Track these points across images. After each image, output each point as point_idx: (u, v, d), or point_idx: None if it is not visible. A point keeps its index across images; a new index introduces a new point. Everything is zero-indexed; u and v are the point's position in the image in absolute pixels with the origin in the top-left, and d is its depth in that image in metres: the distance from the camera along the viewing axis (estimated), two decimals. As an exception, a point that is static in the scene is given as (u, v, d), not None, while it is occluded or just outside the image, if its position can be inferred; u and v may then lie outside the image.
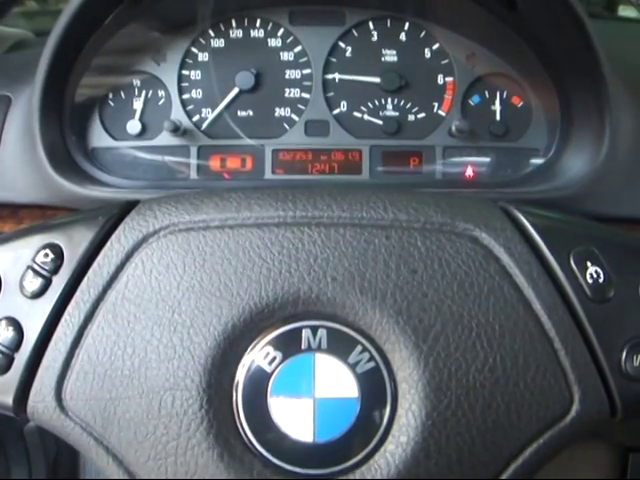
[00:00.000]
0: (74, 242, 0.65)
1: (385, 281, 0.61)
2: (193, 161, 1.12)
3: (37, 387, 0.63)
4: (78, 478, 1.60)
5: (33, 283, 0.64)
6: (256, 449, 0.60)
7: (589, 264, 0.64)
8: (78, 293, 0.63)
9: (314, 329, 0.60)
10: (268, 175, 1.11)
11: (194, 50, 1.13)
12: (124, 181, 1.09)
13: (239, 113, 1.12)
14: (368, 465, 0.60)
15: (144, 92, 1.13)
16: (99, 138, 1.13)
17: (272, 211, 0.64)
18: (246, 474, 0.59)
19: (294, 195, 0.65)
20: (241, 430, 0.60)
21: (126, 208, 0.67)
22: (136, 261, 0.63)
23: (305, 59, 1.12)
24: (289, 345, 0.60)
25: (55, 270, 0.64)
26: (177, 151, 1.12)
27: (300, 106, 1.12)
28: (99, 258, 0.63)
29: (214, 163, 1.12)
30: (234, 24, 1.13)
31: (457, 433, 0.60)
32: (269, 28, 1.13)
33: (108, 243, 0.64)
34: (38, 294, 0.64)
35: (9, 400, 0.63)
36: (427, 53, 1.12)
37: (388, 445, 0.60)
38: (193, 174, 1.12)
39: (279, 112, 1.12)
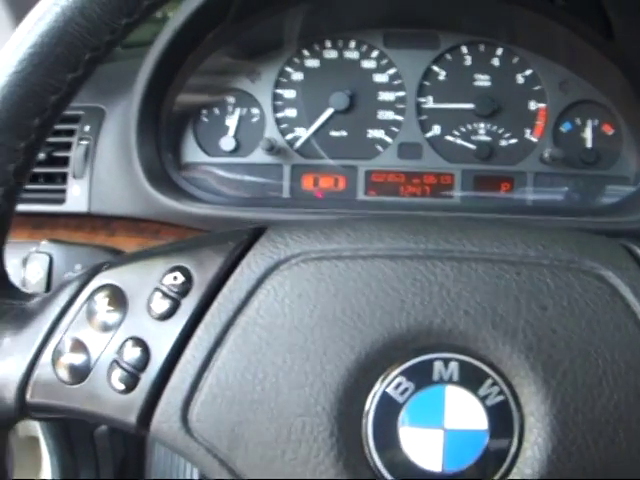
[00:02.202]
0: (203, 266, 0.65)
1: (516, 316, 0.61)
2: (286, 180, 1.13)
3: (163, 407, 0.63)
4: (144, 482, 1.62)
5: (161, 305, 0.64)
6: (384, 478, 0.60)
7: None
8: (208, 317, 0.63)
9: (446, 361, 0.61)
10: (360, 196, 1.12)
11: (288, 69, 1.14)
12: (216, 197, 1.11)
13: (332, 133, 1.14)
14: None
15: (238, 109, 1.15)
16: (193, 154, 1.14)
17: (404, 243, 0.64)
18: None
19: (426, 228, 0.66)
20: (370, 459, 0.60)
21: (256, 233, 0.68)
22: (267, 287, 0.63)
23: (399, 82, 1.13)
24: (421, 376, 0.61)
25: (184, 293, 0.64)
26: (270, 169, 1.13)
27: (393, 128, 1.13)
28: (229, 283, 0.64)
29: (307, 182, 1.13)
30: (329, 45, 1.14)
31: (581, 467, 0.60)
32: (363, 50, 1.14)
33: (238, 268, 0.65)
34: (166, 316, 0.64)
35: (132, 419, 0.63)
36: (520, 79, 1.13)
37: (513, 477, 0.60)
38: (286, 193, 1.13)
39: (372, 134, 1.13)
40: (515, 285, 0.62)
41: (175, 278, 0.65)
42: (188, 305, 0.64)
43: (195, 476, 1.58)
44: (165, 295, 0.64)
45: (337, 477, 0.60)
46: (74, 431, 1.47)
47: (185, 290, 0.64)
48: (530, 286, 0.62)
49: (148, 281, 0.66)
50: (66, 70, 0.63)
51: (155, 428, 0.64)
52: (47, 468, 1.46)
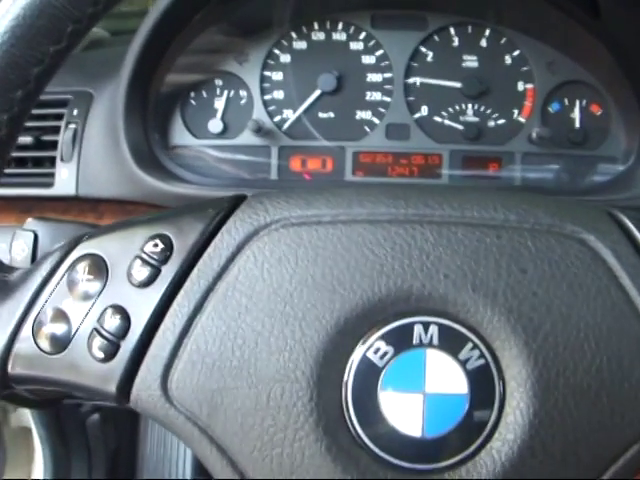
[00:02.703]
0: (184, 233, 0.65)
1: (496, 279, 0.61)
2: (274, 161, 1.13)
3: (142, 376, 0.63)
4: (136, 472, 1.62)
5: (141, 272, 0.64)
6: (364, 442, 0.60)
7: None
8: (188, 283, 0.63)
9: (426, 325, 0.60)
10: (348, 177, 1.12)
11: (276, 51, 1.14)
12: (204, 179, 1.11)
13: (320, 115, 1.13)
14: (474, 462, 0.60)
15: (226, 91, 1.15)
16: (180, 136, 1.14)
17: (384, 208, 0.64)
18: (352, 467, 0.59)
19: (405, 193, 0.65)
20: (349, 423, 0.60)
21: (235, 202, 0.67)
22: (247, 253, 0.63)
23: (387, 63, 1.13)
24: (400, 340, 0.60)
25: (164, 260, 0.64)
26: (258, 151, 1.13)
27: (381, 109, 1.13)
28: (209, 249, 0.64)
29: (295, 164, 1.13)
30: (316, 27, 1.14)
31: (563, 432, 0.60)
32: (351, 31, 1.14)
33: (219, 235, 0.64)
34: (146, 283, 0.64)
35: (112, 388, 0.63)
36: (508, 59, 1.13)
37: (495, 442, 0.60)
38: (273, 174, 1.13)
39: (360, 115, 1.13)
40: (495, 248, 0.62)
41: (155, 245, 0.65)
42: (168, 272, 0.64)
43: (187, 465, 1.58)
44: (145, 262, 0.64)
45: (317, 443, 0.59)
46: (66, 420, 1.47)
47: (165, 257, 0.64)
48: (510, 249, 0.62)
49: (129, 249, 0.66)
50: (49, 42, 0.62)
51: (135, 397, 0.63)
52: (40, 458, 1.46)
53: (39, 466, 1.48)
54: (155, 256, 0.64)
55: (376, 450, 0.60)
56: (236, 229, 0.64)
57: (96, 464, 1.55)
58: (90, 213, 1.11)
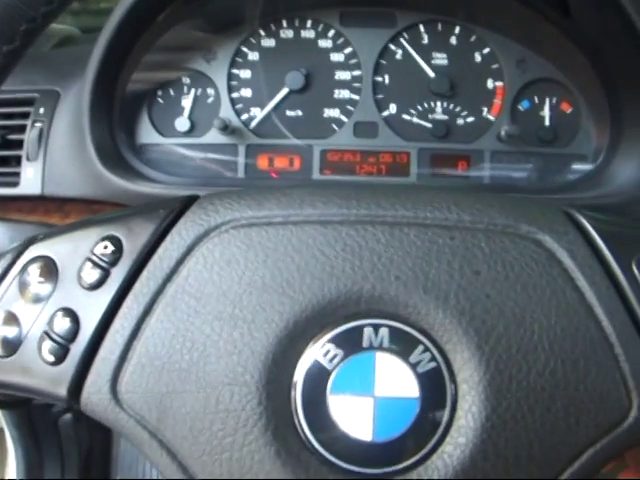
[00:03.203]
0: (134, 235, 0.65)
1: (448, 281, 0.60)
2: (241, 160, 1.12)
3: (92, 379, 0.63)
4: (110, 472, 1.61)
5: (91, 274, 0.64)
6: (313, 447, 0.59)
7: None
8: (137, 285, 0.63)
9: (376, 327, 0.60)
10: (316, 175, 1.11)
11: (244, 49, 1.13)
12: (171, 178, 1.10)
13: (288, 113, 1.13)
14: (425, 466, 0.59)
15: (193, 90, 1.14)
16: (147, 135, 1.14)
17: (335, 209, 0.63)
18: (302, 472, 0.59)
19: (357, 193, 0.65)
20: (299, 427, 0.59)
21: (187, 202, 0.67)
22: (197, 255, 0.63)
23: (355, 61, 1.12)
24: (350, 343, 0.60)
25: (114, 262, 0.64)
26: (225, 149, 1.13)
27: (349, 107, 1.12)
28: (159, 251, 0.63)
29: (262, 162, 1.12)
30: (285, 24, 1.13)
31: (516, 436, 0.59)
32: (320, 29, 1.13)
33: (169, 236, 0.64)
34: (96, 286, 0.63)
35: (63, 391, 0.63)
36: (477, 57, 1.12)
37: (446, 446, 0.59)
38: (240, 173, 1.12)
39: (328, 113, 1.13)
40: (448, 249, 0.61)
41: (105, 247, 0.64)
42: (118, 274, 0.63)
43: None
44: (95, 265, 0.64)
45: (266, 447, 0.59)
46: (38, 420, 1.46)
47: (115, 259, 0.64)
48: (464, 250, 0.61)
49: (79, 251, 0.65)
50: (1, 41, 0.62)
51: (85, 400, 0.63)
52: (12, 461, 1.45)
53: (12, 467, 1.47)
54: (105, 258, 0.64)
55: (326, 454, 0.59)
56: (186, 230, 0.64)
57: (69, 464, 1.54)
58: (56, 213, 1.10)
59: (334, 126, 1.12)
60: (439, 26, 1.12)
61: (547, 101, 1.11)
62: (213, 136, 1.12)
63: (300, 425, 0.59)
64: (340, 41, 1.12)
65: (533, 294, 0.61)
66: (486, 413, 0.59)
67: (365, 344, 0.60)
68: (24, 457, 1.45)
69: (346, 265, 0.61)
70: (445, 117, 1.11)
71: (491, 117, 1.11)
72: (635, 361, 0.61)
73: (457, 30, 1.12)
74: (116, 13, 1.00)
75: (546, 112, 1.11)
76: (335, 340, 0.60)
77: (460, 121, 1.11)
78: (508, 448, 0.59)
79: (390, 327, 0.60)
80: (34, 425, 1.47)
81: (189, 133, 1.13)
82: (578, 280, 0.62)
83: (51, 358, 0.63)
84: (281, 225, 0.63)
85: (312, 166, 1.11)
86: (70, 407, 0.64)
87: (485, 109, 1.11)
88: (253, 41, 1.13)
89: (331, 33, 1.13)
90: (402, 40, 1.12)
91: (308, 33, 1.13)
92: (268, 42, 1.13)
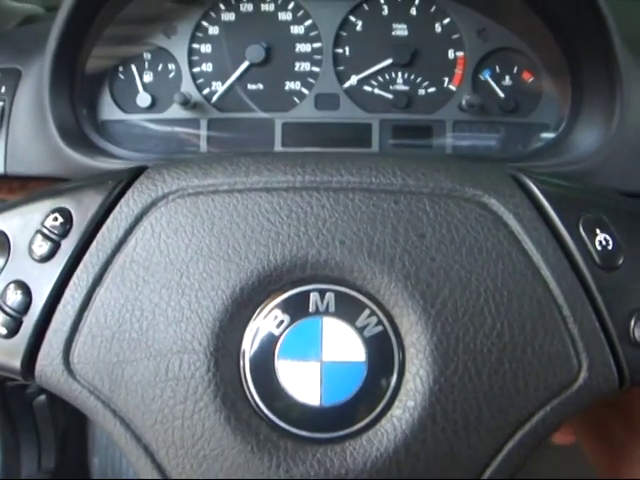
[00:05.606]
0: (83, 206, 0.65)
1: (393, 245, 0.61)
2: (203, 134, 1.12)
3: (45, 350, 0.63)
4: (87, 452, 1.61)
5: (42, 247, 0.64)
6: (263, 412, 0.60)
7: (598, 231, 0.64)
8: (87, 257, 0.63)
9: (322, 293, 0.60)
10: (278, 148, 1.11)
11: (205, 24, 1.13)
12: (134, 154, 1.09)
13: (249, 86, 1.12)
14: (374, 429, 0.60)
15: (154, 65, 1.13)
16: (109, 111, 1.13)
17: (281, 176, 0.64)
18: (252, 437, 0.59)
19: (303, 160, 0.65)
20: (248, 393, 0.60)
21: (135, 173, 0.67)
22: (145, 225, 0.63)
23: (315, 33, 1.12)
24: (297, 308, 0.60)
25: (64, 234, 0.64)
26: (187, 124, 1.12)
27: (310, 80, 1.12)
28: (108, 222, 0.64)
29: (224, 136, 1.12)
30: None
31: (464, 399, 0.60)
32: (279, 2, 1.12)
33: (117, 207, 0.64)
34: (47, 258, 0.64)
35: (17, 363, 0.63)
36: (438, 27, 1.12)
37: (395, 410, 0.60)
38: (203, 147, 1.12)
39: (289, 85, 1.12)
40: (393, 214, 0.62)
41: (55, 219, 0.64)
42: (68, 246, 0.64)
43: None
44: (46, 237, 0.64)
45: (216, 414, 0.59)
46: (13, 403, 1.46)
47: (65, 231, 0.64)
48: (408, 215, 0.62)
49: (30, 224, 0.65)
50: None
51: (39, 372, 0.63)
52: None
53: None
54: (55, 230, 0.64)
55: (275, 420, 0.60)
56: (134, 201, 0.64)
57: (45, 445, 1.54)
58: (19, 191, 1.10)
59: (295, 99, 1.12)
60: None
61: (508, 70, 1.11)
62: (175, 111, 1.12)
63: (249, 391, 0.60)
64: (300, 13, 1.12)
65: (479, 257, 0.61)
66: (434, 376, 0.59)
67: (312, 309, 0.60)
68: (0, 439, 1.46)
69: (291, 231, 0.61)
70: (406, 88, 1.11)
71: (452, 87, 1.11)
72: (584, 322, 0.62)
73: (417, 1, 1.12)
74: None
75: (507, 81, 1.11)
76: (282, 306, 0.60)
77: (421, 91, 1.11)
78: (457, 411, 0.60)
79: (336, 292, 0.60)
80: (9, 407, 1.47)
81: (151, 109, 1.13)
82: (525, 242, 0.62)
83: (4, 331, 0.63)
84: (227, 193, 0.63)
85: (274, 139, 1.11)
86: (24, 379, 0.65)
87: (446, 79, 1.11)
88: (213, 15, 1.13)
89: (291, 5, 1.12)
90: (362, 11, 1.12)
91: (268, 6, 1.12)
92: (228, 16, 1.13)
